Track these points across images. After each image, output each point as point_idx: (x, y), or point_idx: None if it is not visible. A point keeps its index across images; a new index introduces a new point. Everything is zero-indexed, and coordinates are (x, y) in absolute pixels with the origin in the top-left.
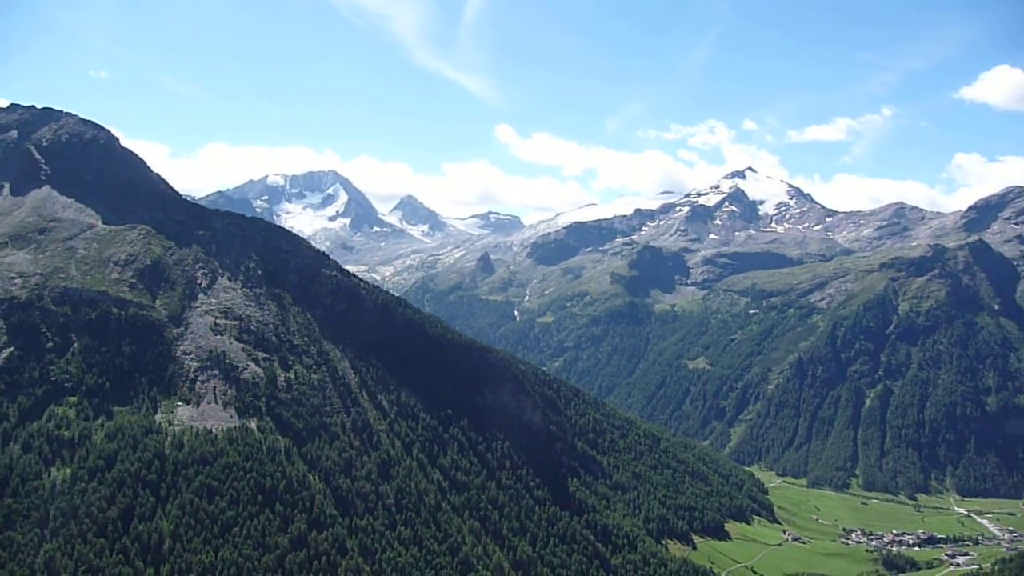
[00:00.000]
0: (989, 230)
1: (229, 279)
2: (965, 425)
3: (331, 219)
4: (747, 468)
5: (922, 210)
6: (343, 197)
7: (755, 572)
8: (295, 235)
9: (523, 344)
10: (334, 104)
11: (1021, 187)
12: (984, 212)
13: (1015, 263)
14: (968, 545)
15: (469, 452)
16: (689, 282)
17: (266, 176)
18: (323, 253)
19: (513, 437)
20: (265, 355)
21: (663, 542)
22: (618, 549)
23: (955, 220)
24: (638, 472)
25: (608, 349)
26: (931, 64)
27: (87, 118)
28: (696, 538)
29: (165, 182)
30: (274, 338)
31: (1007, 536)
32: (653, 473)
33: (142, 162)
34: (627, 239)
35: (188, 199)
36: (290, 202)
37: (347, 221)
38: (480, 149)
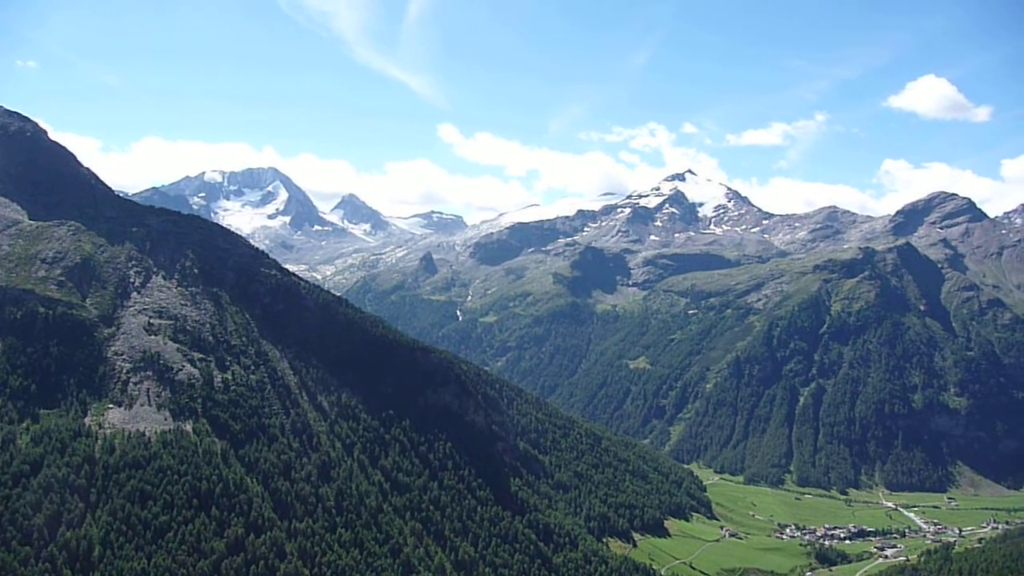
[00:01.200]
0: (916, 234)
1: (164, 278)
2: (893, 422)
3: (271, 217)
4: (686, 466)
5: (853, 214)
6: (283, 195)
7: (694, 568)
8: (233, 233)
9: (466, 344)
10: (274, 100)
11: (946, 193)
12: (911, 216)
13: (940, 266)
14: (896, 537)
15: (411, 453)
16: (630, 283)
17: (203, 172)
18: (262, 252)
19: (455, 437)
20: (201, 356)
21: (604, 540)
22: (560, 548)
23: (884, 224)
24: (580, 471)
25: (550, 349)
26: (861, 73)
27: (13, 109)
28: (636, 536)
29: (96, 177)
30: (211, 338)
31: (932, 528)
32: (594, 472)
33: (72, 156)
34: (569, 240)
35: (121, 195)
36: (228, 199)
37: (287, 219)
38: (423, 148)
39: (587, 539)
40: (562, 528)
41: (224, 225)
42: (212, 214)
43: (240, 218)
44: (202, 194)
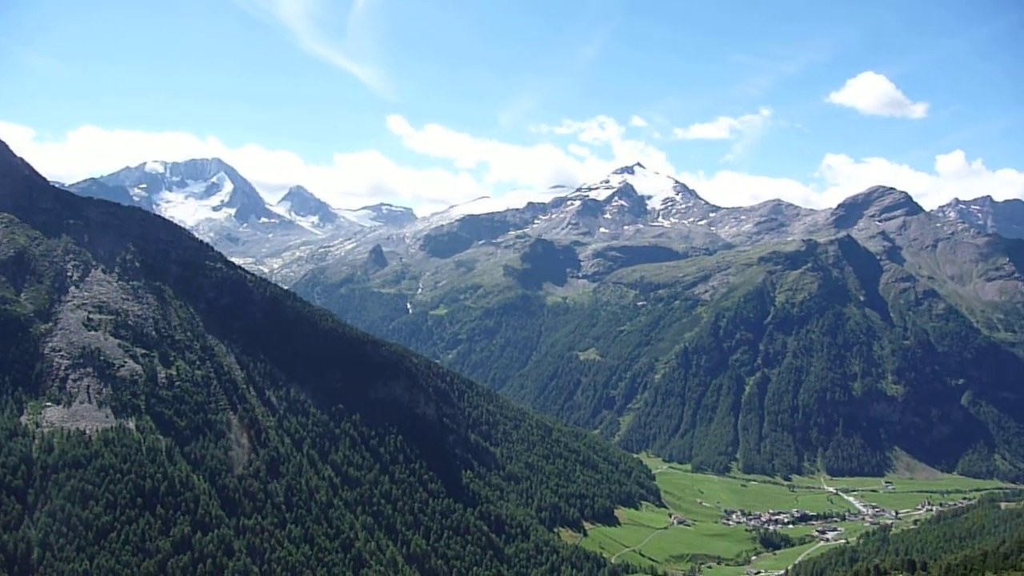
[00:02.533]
0: (856, 226)
1: (104, 271)
2: (834, 409)
3: (215, 209)
4: (635, 455)
5: (797, 207)
6: (228, 186)
7: (643, 555)
8: (176, 225)
9: (416, 337)
10: (217, 90)
11: (884, 187)
12: (852, 210)
13: (878, 257)
14: (836, 521)
15: (361, 447)
16: (580, 275)
17: (144, 163)
18: (207, 244)
19: (406, 431)
20: (144, 351)
21: (555, 530)
22: (511, 539)
23: (826, 217)
24: (531, 462)
25: (501, 341)
26: (803, 69)
27: None
28: (587, 525)
29: (30, 167)
30: (154, 333)
31: (870, 512)
32: (545, 463)
33: (3, 145)
34: (520, 232)
35: (57, 186)
36: (171, 191)
37: (232, 211)
38: (372, 139)
39: (539, 529)
40: (514, 519)
41: (167, 217)
42: (154, 206)
43: (183, 210)
44: (143, 185)
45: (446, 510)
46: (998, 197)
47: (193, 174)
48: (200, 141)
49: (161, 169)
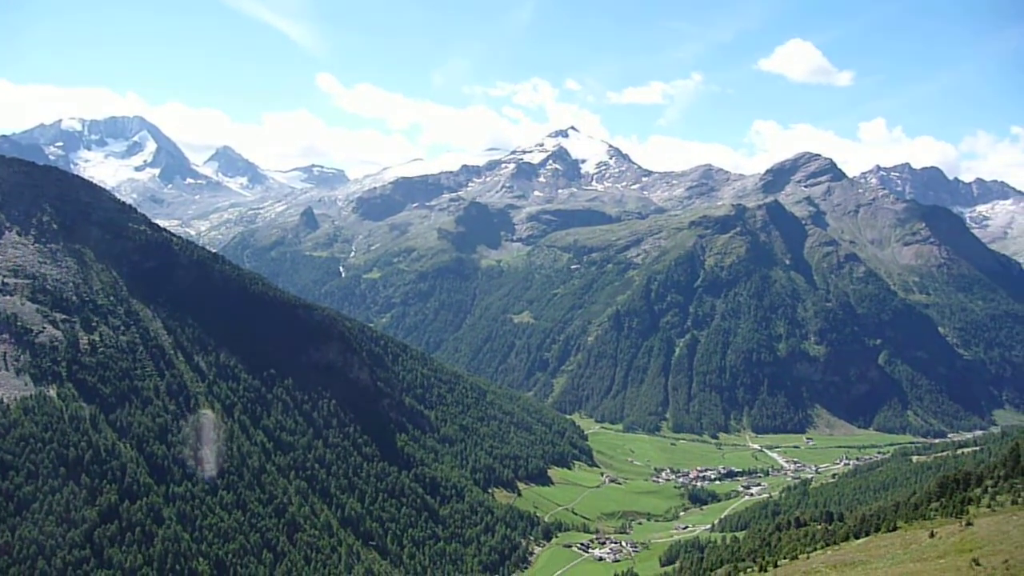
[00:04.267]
0: (783, 192)
1: (19, 233)
2: (760, 369)
3: (138, 169)
4: (568, 416)
5: (727, 172)
6: (151, 145)
7: (576, 513)
8: (96, 185)
9: (349, 301)
10: (137, 44)
11: (811, 153)
12: (779, 175)
13: (804, 222)
14: (760, 477)
15: (294, 412)
16: (514, 238)
17: (60, 120)
18: (129, 206)
19: (340, 395)
20: (64, 316)
21: (490, 491)
22: (446, 500)
23: (755, 182)
24: (465, 424)
25: (435, 305)
26: (734, 36)
27: None
28: (521, 485)
29: None
30: (75, 298)
31: (792, 467)
32: (480, 425)
33: None
34: (454, 195)
35: None
36: (89, 149)
37: (156, 172)
38: (301, 98)
39: (473, 490)
40: (448, 481)
41: (86, 177)
42: (72, 165)
43: (103, 170)
44: (59, 143)
45: (381, 473)
46: (916, 164)
47: (113, 132)
48: (119, 97)
49: (79, 127)
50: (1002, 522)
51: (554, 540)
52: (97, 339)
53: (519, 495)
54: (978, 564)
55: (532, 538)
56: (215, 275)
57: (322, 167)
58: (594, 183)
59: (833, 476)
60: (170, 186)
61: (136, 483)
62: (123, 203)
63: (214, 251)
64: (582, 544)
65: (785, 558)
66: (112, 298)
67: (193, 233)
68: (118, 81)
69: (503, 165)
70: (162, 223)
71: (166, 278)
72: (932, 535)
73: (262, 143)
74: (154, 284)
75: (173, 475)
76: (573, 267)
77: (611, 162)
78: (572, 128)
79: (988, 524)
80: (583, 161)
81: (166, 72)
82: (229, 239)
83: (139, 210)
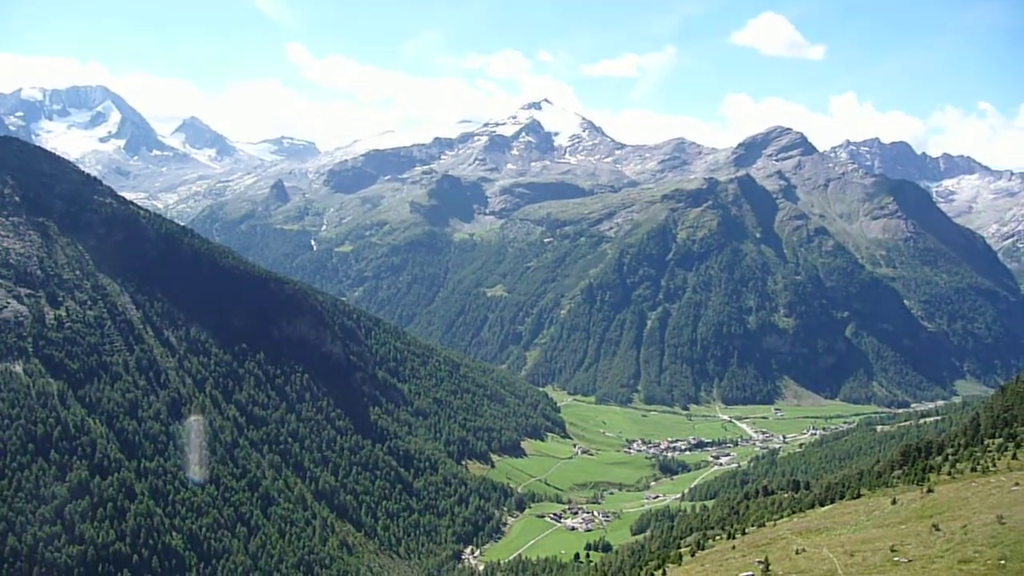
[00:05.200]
0: (755, 165)
1: None
2: (730, 342)
3: (102, 140)
4: (541, 389)
5: (699, 145)
6: (115, 116)
7: (549, 484)
8: (59, 157)
9: (321, 274)
10: (98, 11)
11: (782, 127)
12: (751, 149)
13: (774, 196)
14: (730, 447)
15: (267, 386)
16: (487, 211)
17: (19, 89)
18: (94, 178)
19: (313, 369)
20: (29, 291)
21: (463, 463)
22: (420, 472)
23: (727, 156)
24: (439, 398)
25: (408, 278)
26: (707, 9)
27: None
28: (495, 457)
29: None
30: (39, 272)
31: (760, 437)
32: (453, 398)
33: None
34: (426, 168)
35: None
36: (51, 120)
37: (121, 143)
38: (270, 68)
39: (447, 463)
40: (422, 453)
41: (48, 148)
42: (33, 136)
43: (66, 141)
44: (19, 113)
45: (354, 446)
46: (885, 139)
47: (76, 102)
48: (81, 66)
49: (40, 96)
50: (962, 489)
51: (527, 511)
52: (63, 314)
53: (493, 467)
54: (938, 529)
55: (505, 509)
56: (184, 249)
57: (292, 139)
58: (567, 156)
59: (800, 446)
60: (136, 158)
61: (107, 459)
62: (87, 175)
63: (182, 224)
64: (555, 514)
65: (753, 526)
66: (78, 272)
67: (160, 206)
68: (80, 50)
69: (476, 138)
70: (128, 196)
71: (134, 252)
72: (894, 502)
73: (230, 115)
74: (121, 258)
75: (145, 450)
76: (546, 240)
77: (584, 135)
78: (545, 100)
79: (948, 491)
80: (556, 134)
81: (130, 41)
82: (198, 212)
83: (104, 182)
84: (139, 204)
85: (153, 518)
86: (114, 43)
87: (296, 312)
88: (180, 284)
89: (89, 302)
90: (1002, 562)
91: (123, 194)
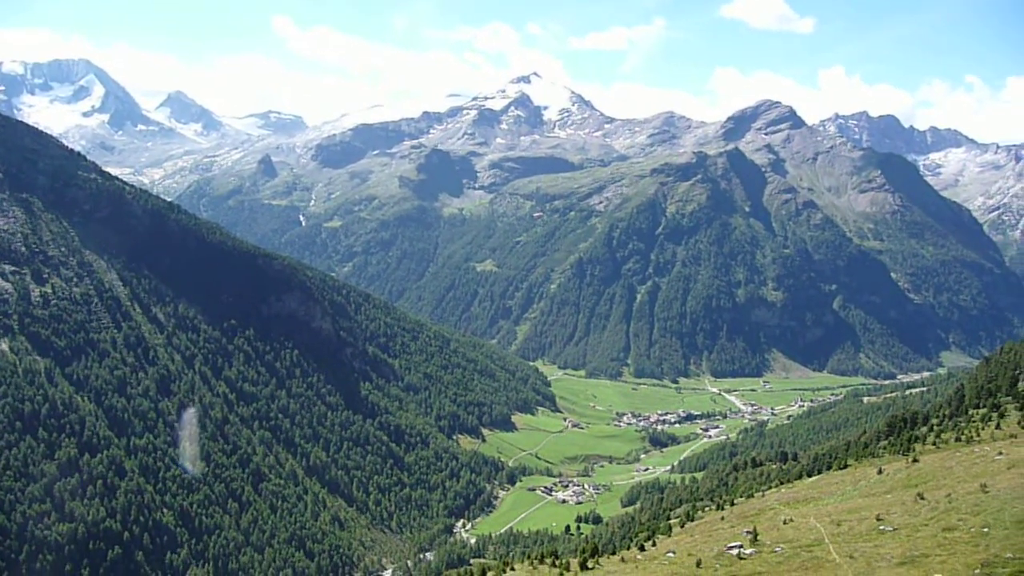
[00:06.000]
0: (744, 139)
1: None
2: (719, 315)
3: (86, 115)
4: (532, 363)
5: (689, 119)
6: (99, 90)
7: (539, 458)
8: (42, 132)
9: (310, 250)
10: None
11: (771, 101)
12: (740, 123)
13: (763, 170)
14: (719, 419)
15: (256, 362)
16: (477, 186)
17: (0, 63)
18: (78, 153)
19: (302, 345)
20: (13, 268)
21: (454, 437)
22: (411, 447)
23: (716, 130)
24: (429, 373)
25: (398, 253)
26: None
27: None
28: (485, 431)
29: None
30: (23, 249)
31: (749, 409)
32: (444, 373)
33: None
34: (415, 142)
35: None
36: (33, 94)
37: (105, 118)
38: (256, 40)
39: (438, 437)
40: (413, 428)
41: (31, 123)
42: (15, 111)
43: (49, 115)
44: (0, 87)
45: (345, 422)
46: (873, 113)
47: (58, 76)
48: (63, 40)
49: (21, 70)
50: (946, 458)
51: (518, 484)
52: (49, 291)
53: (484, 441)
54: (922, 498)
55: (497, 483)
56: (171, 225)
57: (279, 113)
58: (556, 130)
59: (788, 418)
60: (120, 133)
61: (96, 436)
62: (71, 150)
63: (169, 200)
64: (546, 488)
65: (741, 497)
66: (63, 249)
67: (146, 181)
68: (62, 23)
69: (464, 112)
70: (113, 171)
71: (120, 228)
72: (880, 472)
73: (216, 89)
74: (107, 235)
75: (134, 428)
76: (536, 215)
77: (573, 109)
78: (534, 74)
79: (933, 460)
80: (545, 108)
81: (112, 13)
82: (184, 187)
83: (88, 157)
84: (124, 180)
85: (144, 495)
86: (96, 15)
87: (285, 288)
88: (167, 260)
89: (75, 279)
90: (985, 530)
91: (108, 169)
